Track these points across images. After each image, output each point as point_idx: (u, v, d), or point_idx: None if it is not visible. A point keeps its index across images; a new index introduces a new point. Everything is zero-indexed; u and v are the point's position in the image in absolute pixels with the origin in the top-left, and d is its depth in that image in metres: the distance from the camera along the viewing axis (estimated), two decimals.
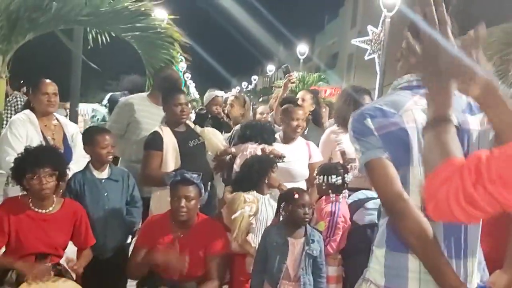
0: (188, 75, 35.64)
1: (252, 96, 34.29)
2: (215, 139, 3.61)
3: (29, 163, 2.56)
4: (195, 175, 2.80)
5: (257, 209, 2.86)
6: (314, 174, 3.15)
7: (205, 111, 4.96)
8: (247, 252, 2.96)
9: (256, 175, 3.06)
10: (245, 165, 3.16)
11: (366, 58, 15.76)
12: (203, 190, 2.83)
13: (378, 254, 1.61)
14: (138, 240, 2.87)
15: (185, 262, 2.70)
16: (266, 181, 3.07)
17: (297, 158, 3.50)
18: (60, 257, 2.73)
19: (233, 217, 2.83)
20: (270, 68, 35.99)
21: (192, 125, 3.66)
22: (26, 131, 3.20)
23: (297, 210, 2.74)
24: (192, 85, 37.34)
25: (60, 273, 2.62)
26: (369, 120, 1.56)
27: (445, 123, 1.24)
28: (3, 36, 3.38)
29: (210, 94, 4.90)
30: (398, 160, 1.53)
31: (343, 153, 3.43)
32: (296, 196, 2.75)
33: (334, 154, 3.52)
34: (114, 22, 3.81)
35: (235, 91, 17.61)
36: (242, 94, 6.28)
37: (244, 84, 47.04)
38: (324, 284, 2.79)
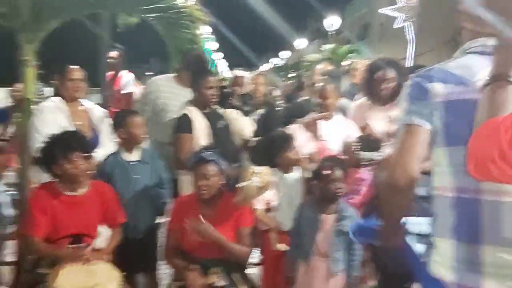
0: (218, 54, 35.69)
1: (281, 72, 34.01)
2: (238, 121, 3.61)
3: (61, 148, 2.63)
4: (213, 153, 2.81)
5: (268, 183, 2.85)
6: (353, 147, 3.11)
7: (229, 90, 4.96)
8: (268, 227, 2.97)
9: (271, 152, 3.05)
10: (260, 142, 3.16)
11: (395, 26, 15.31)
12: (224, 167, 2.82)
13: (442, 246, 1.45)
14: (169, 222, 2.92)
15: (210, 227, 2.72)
16: (284, 159, 3.05)
17: (335, 134, 3.44)
18: (94, 237, 2.82)
19: (237, 185, 2.82)
20: (300, 42, 35.49)
21: (216, 107, 3.66)
22: (54, 117, 3.27)
23: (329, 186, 2.72)
24: (222, 64, 37.37)
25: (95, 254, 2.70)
26: (434, 83, 1.43)
27: (503, 81, 1.21)
28: (29, 25, 3.42)
29: (232, 74, 4.91)
30: (457, 135, 1.38)
31: (365, 129, 3.38)
32: (327, 172, 2.72)
33: (362, 128, 3.46)
34: (135, 4, 3.82)
35: (261, 69, 17.45)
36: (265, 73, 6.25)
37: (273, 60, 46.64)
38: (358, 261, 2.76)
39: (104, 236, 2.94)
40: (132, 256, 2.99)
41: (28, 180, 3.53)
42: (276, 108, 4.83)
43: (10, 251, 3.09)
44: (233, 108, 4.01)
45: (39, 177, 2.96)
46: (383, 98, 3.35)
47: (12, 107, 3.72)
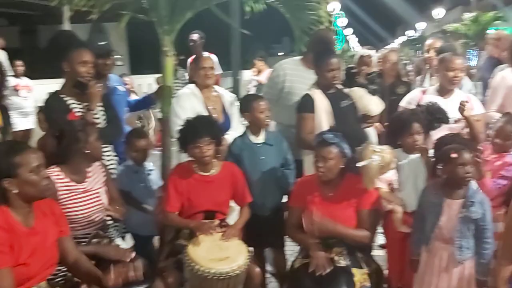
0: (349, 30, 34.84)
1: (418, 45, 32.06)
2: (364, 99, 3.55)
3: (190, 134, 2.87)
4: (335, 136, 2.82)
5: (389, 162, 2.77)
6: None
7: (354, 70, 4.87)
8: (393, 207, 2.92)
9: (395, 132, 2.97)
10: (389, 122, 3.10)
11: None
12: (345, 150, 2.83)
13: None
14: (290, 200, 3.04)
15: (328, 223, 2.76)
16: (408, 140, 2.94)
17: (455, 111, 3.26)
18: (225, 214, 3.05)
19: (358, 164, 2.79)
20: (438, 11, 33.02)
21: (340, 86, 3.65)
22: (190, 103, 3.55)
23: (456, 170, 2.59)
24: (352, 40, 36.43)
25: (225, 229, 2.91)
26: None
27: None
28: (166, 17, 3.74)
29: (358, 54, 4.80)
30: None
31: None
32: (455, 155, 2.59)
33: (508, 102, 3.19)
34: None
35: (394, 43, 16.42)
36: (396, 49, 5.96)
37: (408, 33, 44.14)
38: (489, 250, 2.59)
39: (234, 213, 3.17)
40: (260, 233, 3.17)
41: (170, 159, 3.90)
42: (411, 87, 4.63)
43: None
44: (359, 87, 3.95)
45: (180, 157, 3.26)
46: None
47: (156, 93, 4.10)
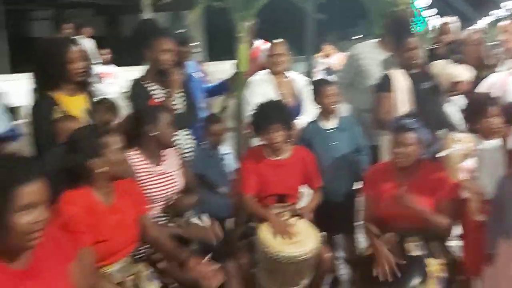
0: (431, 10, 33.08)
1: None
2: (448, 69, 3.40)
3: (261, 120, 2.91)
4: (415, 121, 2.73)
5: (470, 150, 2.63)
6: None
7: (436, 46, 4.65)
8: (472, 196, 2.78)
9: (472, 117, 2.81)
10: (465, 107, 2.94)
11: None
12: (425, 136, 2.73)
13: None
14: (364, 186, 2.99)
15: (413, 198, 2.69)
16: (484, 125, 2.77)
17: None
18: (296, 198, 3.08)
19: (438, 155, 2.67)
20: None
21: (422, 68, 3.51)
22: (262, 89, 3.59)
23: None
24: (435, 21, 34.62)
25: (296, 213, 2.94)
26: None
27: None
28: (241, 3, 3.80)
29: (439, 23, 4.56)
30: None
31: None
32: None
33: None
34: None
35: (478, 25, 14.98)
36: (480, 30, 5.57)
37: (495, 12, 41.02)
38: None
39: (306, 197, 3.19)
40: (331, 218, 3.16)
41: (243, 144, 3.98)
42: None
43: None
44: (441, 59, 3.79)
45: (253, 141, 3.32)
46: None
47: (231, 79, 4.20)
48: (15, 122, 3.06)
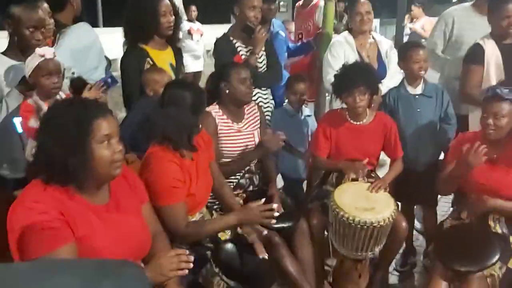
0: None
1: None
2: None
3: (345, 82, 2.82)
4: (510, 91, 2.52)
5: None
6: None
7: None
8: None
9: None
10: None
11: None
12: None
13: None
14: (447, 156, 2.84)
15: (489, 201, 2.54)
16: None
17: None
18: (373, 165, 3.00)
19: None
20: None
21: None
22: (343, 51, 3.47)
23: None
24: None
25: (373, 180, 2.87)
26: None
27: None
28: None
29: None
30: None
31: None
32: None
33: None
34: None
35: None
36: None
37: None
38: None
39: (384, 165, 3.10)
40: (411, 188, 3.06)
41: (322, 108, 3.92)
42: None
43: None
44: None
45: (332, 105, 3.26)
46: None
47: (315, 39, 4.10)
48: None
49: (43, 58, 2.29)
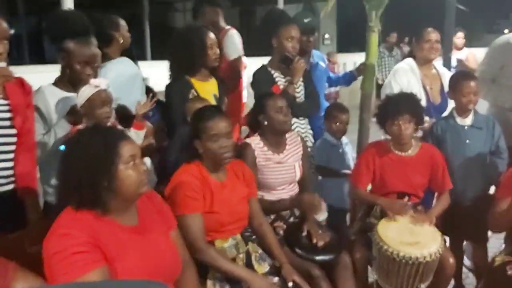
0: None
1: None
2: None
3: (390, 109, 2.77)
4: None
5: None
6: None
7: None
8: None
9: None
10: None
11: None
12: None
13: None
14: (499, 192, 2.70)
15: None
16: None
17: None
18: (419, 198, 2.89)
19: None
20: None
21: None
22: (407, 79, 3.40)
23: None
24: None
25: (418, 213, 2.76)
26: None
27: None
28: None
29: None
30: None
31: None
32: None
33: None
34: None
35: None
36: None
37: None
38: None
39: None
40: (460, 223, 2.94)
41: (366, 136, 3.85)
42: None
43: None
44: None
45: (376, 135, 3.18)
46: None
47: (358, 69, 4.08)
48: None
49: (98, 89, 2.38)
